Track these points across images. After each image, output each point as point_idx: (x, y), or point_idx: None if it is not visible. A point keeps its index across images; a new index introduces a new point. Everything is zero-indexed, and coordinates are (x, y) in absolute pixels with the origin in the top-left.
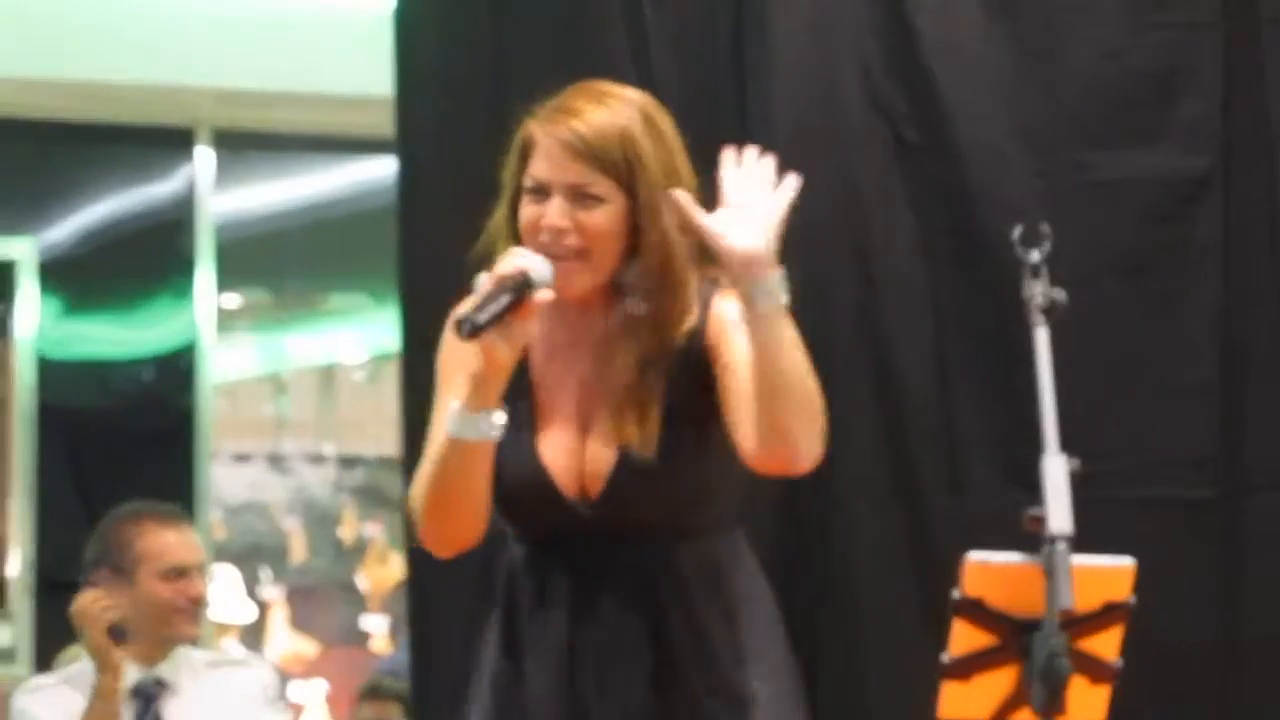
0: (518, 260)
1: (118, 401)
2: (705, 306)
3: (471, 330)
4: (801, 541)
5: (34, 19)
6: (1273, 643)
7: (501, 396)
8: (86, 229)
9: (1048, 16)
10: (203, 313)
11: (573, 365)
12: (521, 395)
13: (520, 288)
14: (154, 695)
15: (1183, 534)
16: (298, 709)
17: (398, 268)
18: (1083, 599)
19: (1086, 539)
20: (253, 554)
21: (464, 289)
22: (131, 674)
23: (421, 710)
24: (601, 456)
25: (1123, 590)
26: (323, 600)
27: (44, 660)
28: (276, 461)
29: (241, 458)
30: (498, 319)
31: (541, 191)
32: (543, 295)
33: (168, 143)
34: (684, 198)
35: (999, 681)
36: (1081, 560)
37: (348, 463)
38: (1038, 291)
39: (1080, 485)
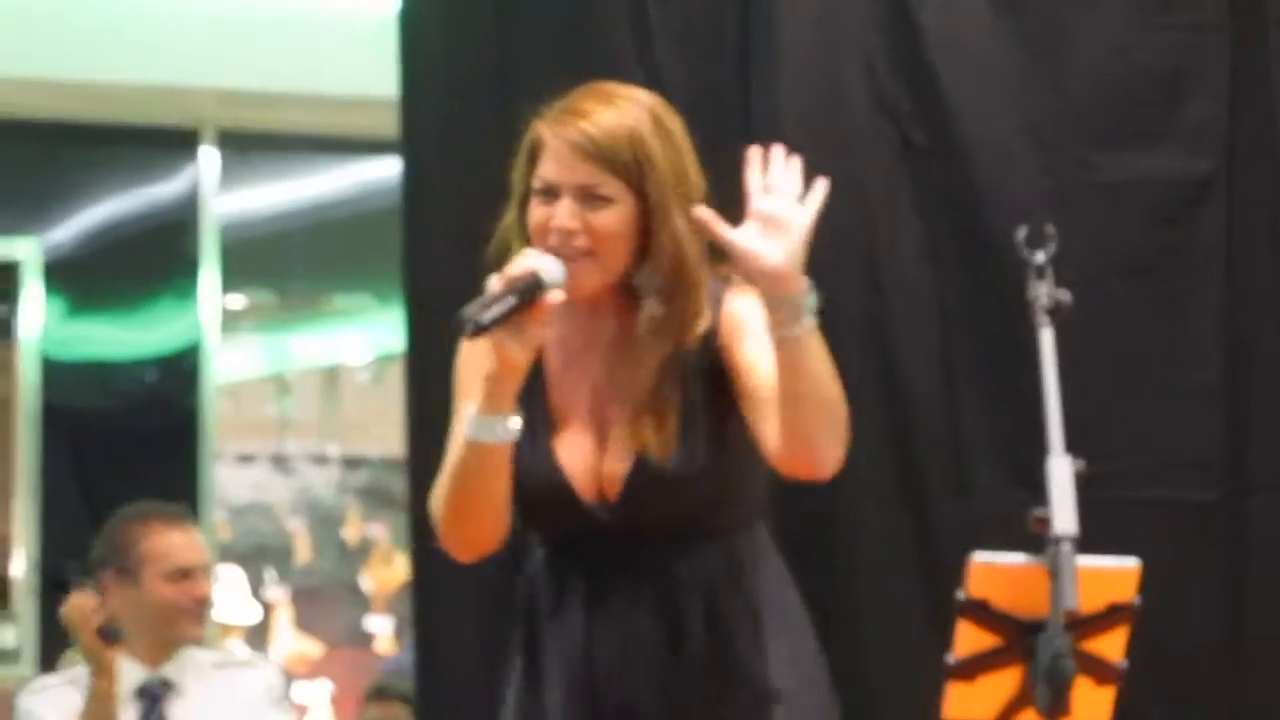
0: (528, 261)
1: (122, 402)
2: (718, 305)
3: (475, 329)
4: (806, 543)
5: (38, 19)
6: (1276, 643)
7: (518, 399)
8: (91, 230)
9: (1054, 13)
10: (207, 313)
11: (587, 368)
12: (537, 398)
13: (530, 289)
14: (159, 696)
15: (1187, 535)
16: (302, 710)
17: (402, 268)
18: (1087, 600)
19: (1091, 540)
20: (257, 555)
21: (469, 289)
22: (137, 674)
23: (426, 711)
24: (619, 460)
25: (1127, 591)
26: (327, 601)
27: (48, 661)
28: (281, 462)
29: (246, 458)
30: (504, 319)
31: (550, 193)
32: (555, 296)
33: (172, 143)
34: (708, 214)
35: (1004, 682)
36: (1086, 561)
37: (352, 464)
38: (1042, 292)
39: (1085, 486)
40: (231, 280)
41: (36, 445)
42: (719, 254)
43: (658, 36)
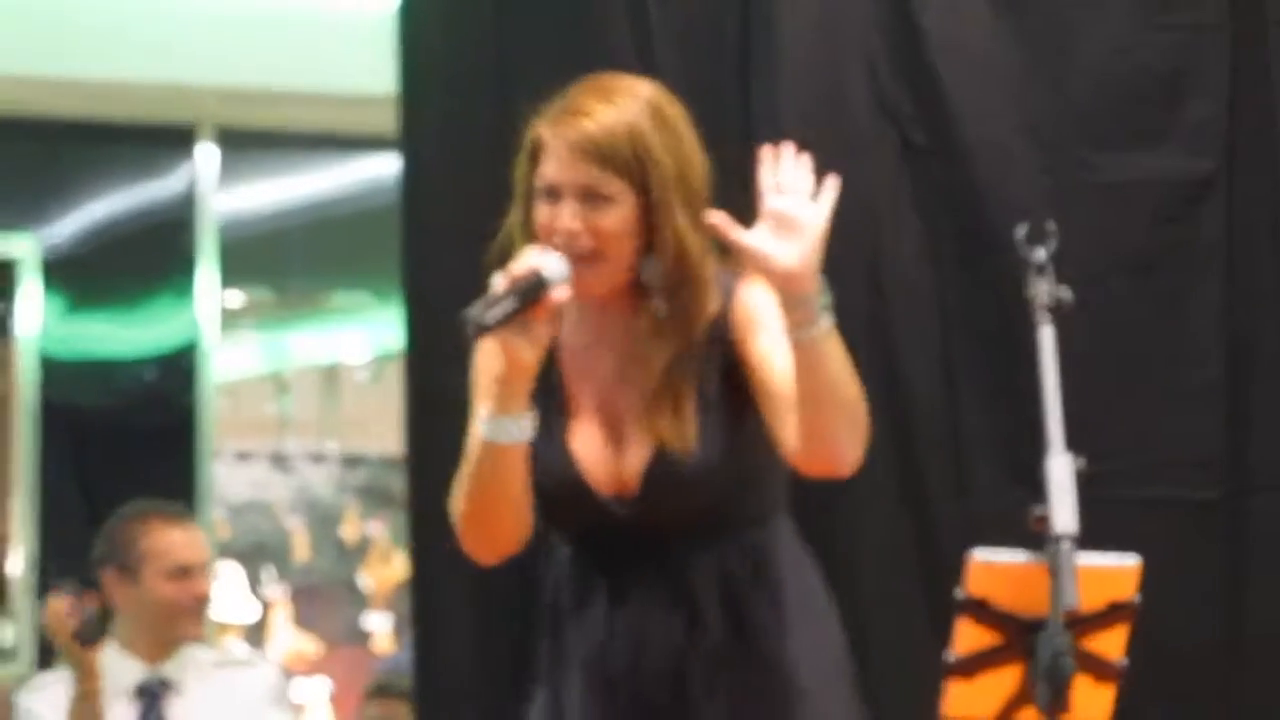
0: (531, 259)
1: (120, 400)
2: (730, 296)
3: (479, 329)
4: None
5: (36, 17)
6: (1276, 643)
7: (531, 398)
8: (89, 227)
9: (1056, 13)
10: (205, 311)
11: (599, 364)
12: (552, 396)
13: (534, 287)
14: (158, 694)
15: (1187, 534)
16: (300, 708)
17: (401, 266)
18: (1087, 598)
19: (1092, 538)
20: (255, 553)
21: (469, 287)
22: (136, 672)
23: (424, 709)
24: (636, 453)
25: (1127, 590)
26: (325, 599)
27: (46, 659)
28: (279, 460)
29: (244, 456)
30: (508, 319)
31: (554, 194)
32: (559, 294)
33: (170, 140)
34: (720, 218)
35: (1003, 681)
36: (1086, 559)
37: (351, 462)
38: (1042, 290)
39: (1085, 485)
40: (230, 278)
41: (34, 443)
42: (729, 250)
43: (657, 35)
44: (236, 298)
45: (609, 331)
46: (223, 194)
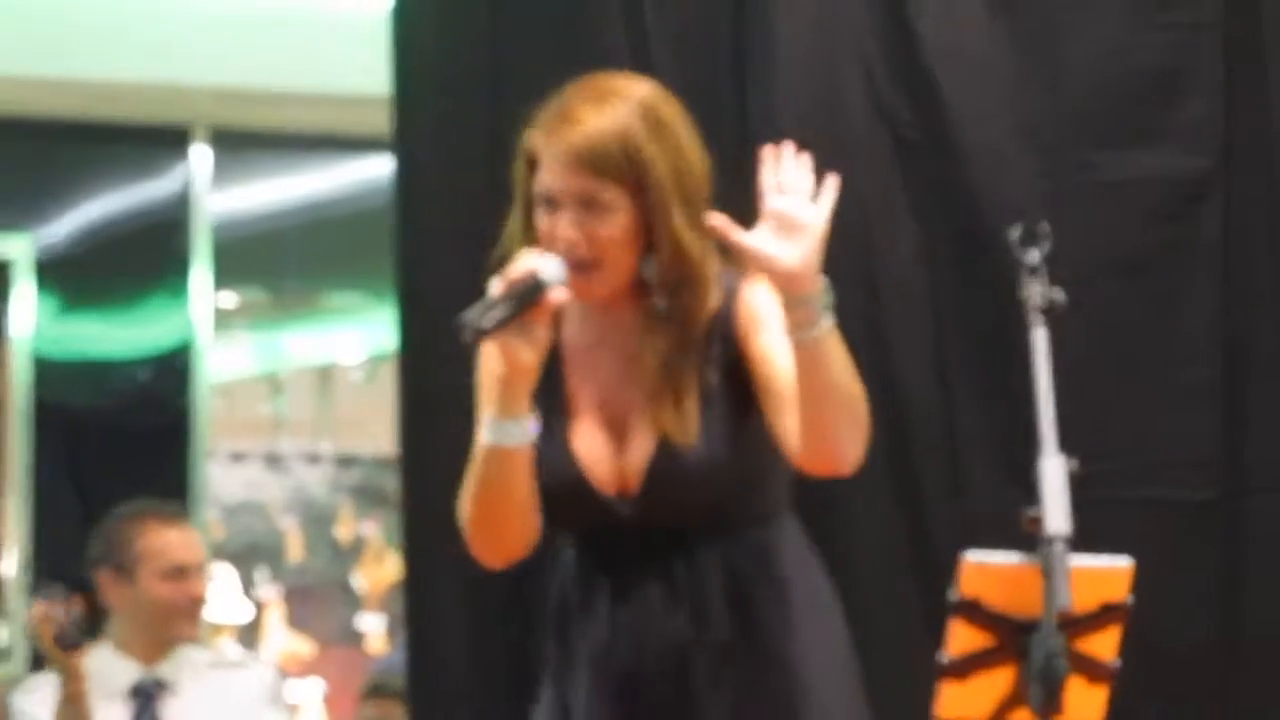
0: (528, 262)
1: (114, 400)
2: (733, 295)
3: (475, 333)
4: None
5: (29, 17)
6: (1272, 644)
7: (533, 400)
8: (83, 227)
9: (1050, 15)
10: (199, 312)
11: (602, 363)
12: (555, 397)
13: (531, 290)
14: (153, 694)
15: (1183, 535)
16: (294, 709)
17: (395, 267)
18: (1080, 599)
19: (1088, 539)
20: (249, 553)
21: (463, 287)
22: (131, 673)
23: (418, 709)
24: (640, 449)
25: (1120, 591)
26: (319, 600)
27: (40, 660)
28: (273, 461)
29: (238, 457)
30: (505, 322)
31: (552, 202)
32: (557, 295)
33: (164, 141)
34: (721, 220)
35: (997, 682)
36: (1079, 561)
37: (345, 462)
38: (1036, 291)
39: (1080, 485)
40: (224, 278)
41: (28, 443)
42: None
43: (653, 36)
44: (231, 298)
45: (612, 331)
46: (217, 194)
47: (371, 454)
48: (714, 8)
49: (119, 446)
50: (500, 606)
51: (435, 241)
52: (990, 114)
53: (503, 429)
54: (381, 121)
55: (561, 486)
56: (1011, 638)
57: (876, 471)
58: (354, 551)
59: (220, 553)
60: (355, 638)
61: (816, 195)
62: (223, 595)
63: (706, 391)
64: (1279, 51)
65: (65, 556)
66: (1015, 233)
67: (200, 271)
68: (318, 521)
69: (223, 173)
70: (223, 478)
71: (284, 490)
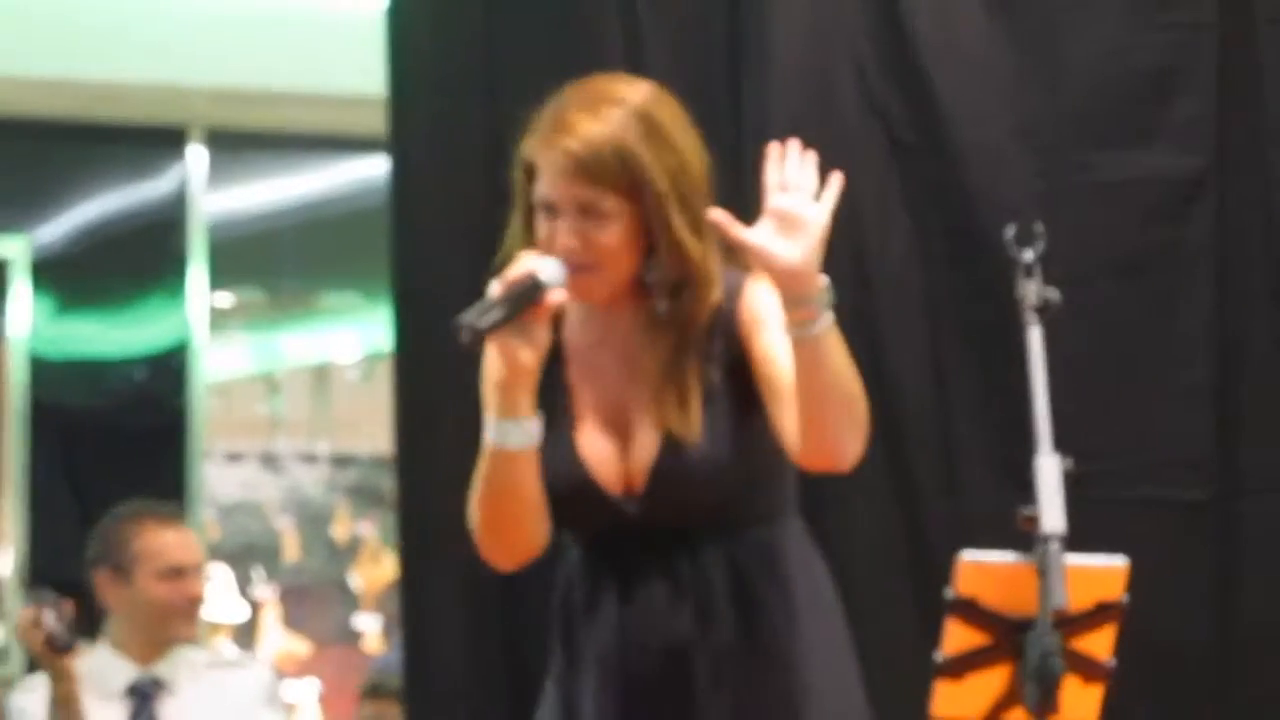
0: (526, 263)
1: (111, 400)
2: (737, 294)
3: (473, 335)
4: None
5: (25, 18)
6: (1266, 644)
7: (536, 400)
8: (79, 228)
9: (1049, 15)
10: (196, 312)
11: (605, 364)
12: (559, 397)
13: (529, 291)
14: (150, 694)
15: (1178, 534)
16: (290, 708)
17: (391, 267)
18: (1076, 598)
19: (1083, 539)
20: (246, 553)
21: (458, 287)
22: (128, 673)
23: (415, 709)
24: (645, 447)
25: (1115, 590)
26: (316, 599)
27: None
28: (270, 461)
29: (234, 457)
30: (503, 323)
31: (551, 210)
32: (555, 296)
33: (161, 141)
34: (722, 216)
35: (992, 681)
36: (1074, 560)
37: (341, 462)
38: (1031, 291)
39: (1076, 485)
40: (220, 278)
41: (25, 443)
42: (734, 250)
43: (647, 37)
44: (227, 298)
45: (614, 331)
46: (213, 195)
47: (368, 454)
48: (708, 8)
49: (115, 446)
50: (497, 606)
51: (431, 241)
52: (988, 114)
53: (505, 430)
54: (377, 121)
55: (568, 487)
56: (1007, 636)
57: (872, 470)
58: (350, 551)
59: (216, 553)
60: (352, 637)
61: (819, 194)
62: (219, 595)
63: (709, 389)
64: (1273, 51)
65: (62, 557)
66: (1010, 232)
67: (196, 271)
68: (314, 521)
69: (219, 173)
70: (219, 477)
71: (280, 490)
